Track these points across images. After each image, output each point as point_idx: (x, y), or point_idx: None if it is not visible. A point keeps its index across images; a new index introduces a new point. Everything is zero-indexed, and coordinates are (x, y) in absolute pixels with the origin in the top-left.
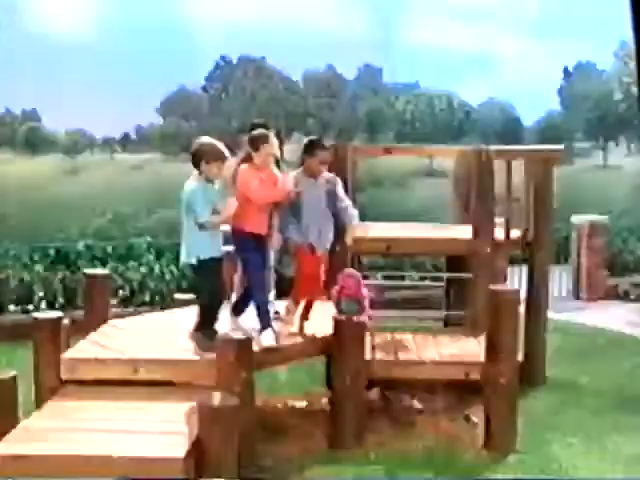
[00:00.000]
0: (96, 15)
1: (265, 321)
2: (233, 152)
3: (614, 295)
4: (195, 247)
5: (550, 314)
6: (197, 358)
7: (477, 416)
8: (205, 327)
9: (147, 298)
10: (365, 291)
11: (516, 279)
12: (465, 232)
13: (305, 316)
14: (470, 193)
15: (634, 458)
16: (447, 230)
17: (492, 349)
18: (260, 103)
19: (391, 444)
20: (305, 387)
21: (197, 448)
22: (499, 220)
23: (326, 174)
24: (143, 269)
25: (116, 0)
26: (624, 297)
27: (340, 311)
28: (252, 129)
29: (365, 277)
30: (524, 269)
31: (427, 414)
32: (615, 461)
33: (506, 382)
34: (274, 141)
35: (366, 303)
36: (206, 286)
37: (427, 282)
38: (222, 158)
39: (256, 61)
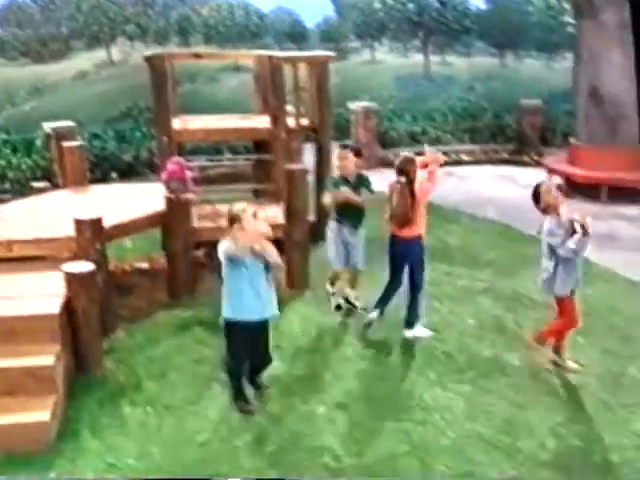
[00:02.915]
0: None
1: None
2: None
3: (384, 164)
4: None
5: None
6: (59, 236)
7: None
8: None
9: (8, 186)
10: (189, 173)
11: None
12: (265, 121)
13: None
14: (267, 90)
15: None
16: (252, 120)
17: (289, 214)
18: (85, 12)
19: (216, 290)
20: (146, 252)
21: (68, 306)
22: (292, 110)
23: None
24: (2, 162)
25: None
26: (391, 165)
27: (170, 191)
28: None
29: (189, 160)
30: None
31: None
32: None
33: (301, 239)
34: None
35: (190, 184)
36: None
37: (239, 162)
38: None
39: None
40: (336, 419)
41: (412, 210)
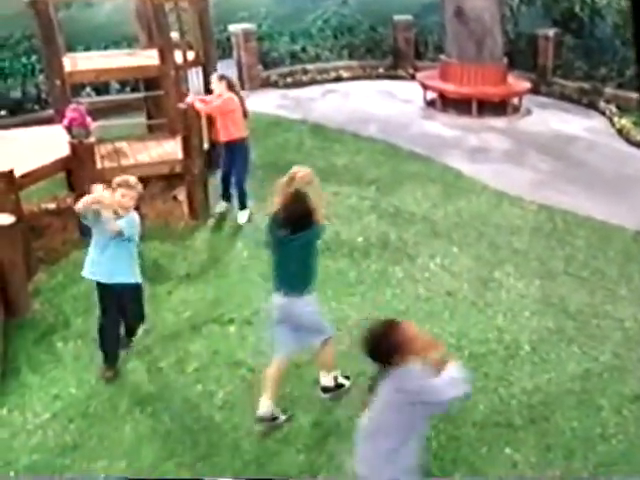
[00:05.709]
0: None
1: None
2: None
3: (267, 84)
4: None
5: None
6: None
7: (181, 197)
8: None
9: None
10: (89, 119)
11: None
12: (153, 57)
13: None
14: (151, 26)
15: None
16: (140, 57)
17: (187, 150)
18: None
19: None
20: (50, 191)
21: None
22: (176, 38)
23: None
24: None
25: None
26: (274, 85)
27: (73, 137)
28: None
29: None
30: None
31: (146, 199)
32: None
33: (199, 171)
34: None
35: (91, 127)
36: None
37: (130, 95)
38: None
39: None
40: (246, 336)
41: None
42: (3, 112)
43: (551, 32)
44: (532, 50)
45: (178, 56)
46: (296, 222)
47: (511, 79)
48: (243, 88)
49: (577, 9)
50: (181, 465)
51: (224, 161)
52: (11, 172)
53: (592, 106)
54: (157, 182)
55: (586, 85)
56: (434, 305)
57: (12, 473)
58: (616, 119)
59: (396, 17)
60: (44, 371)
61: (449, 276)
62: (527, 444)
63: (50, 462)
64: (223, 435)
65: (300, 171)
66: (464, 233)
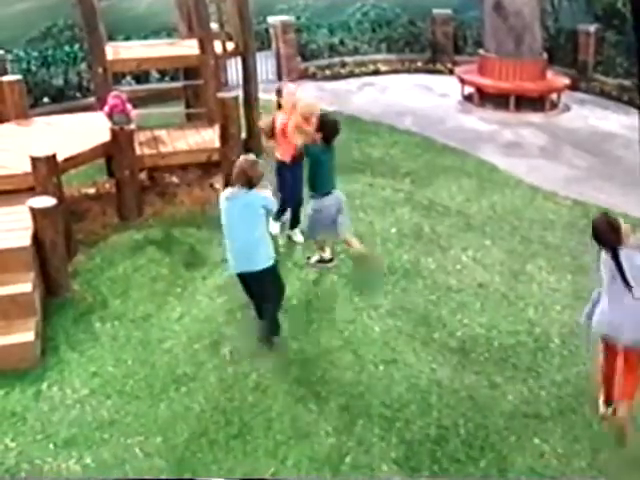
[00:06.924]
0: None
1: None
2: None
3: (305, 76)
4: None
5: (261, 95)
6: (18, 172)
7: (218, 185)
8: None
9: None
10: (129, 106)
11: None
12: (193, 47)
13: None
14: (192, 17)
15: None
16: (180, 47)
17: (224, 139)
18: None
19: (162, 211)
20: (89, 176)
21: (36, 239)
22: (216, 27)
23: None
24: None
25: None
26: (312, 77)
27: (114, 123)
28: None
29: (120, 86)
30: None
31: (184, 186)
32: None
33: (236, 159)
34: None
35: (132, 115)
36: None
37: (170, 84)
38: None
39: None
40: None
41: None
42: (46, 99)
43: (592, 28)
44: (572, 46)
45: (217, 46)
46: (332, 137)
47: (550, 75)
48: (281, 79)
49: (619, 5)
50: (214, 443)
51: (291, 181)
52: (54, 156)
53: (632, 103)
54: (195, 170)
55: (626, 82)
56: (465, 296)
57: (52, 445)
58: None
59: (435, 11)
60: (82, 349)
61: (481, 268)
62: (555, 435)
63: (88, 436)
64: (256, 415)
65: (307, 105)
66: (497, 227)
